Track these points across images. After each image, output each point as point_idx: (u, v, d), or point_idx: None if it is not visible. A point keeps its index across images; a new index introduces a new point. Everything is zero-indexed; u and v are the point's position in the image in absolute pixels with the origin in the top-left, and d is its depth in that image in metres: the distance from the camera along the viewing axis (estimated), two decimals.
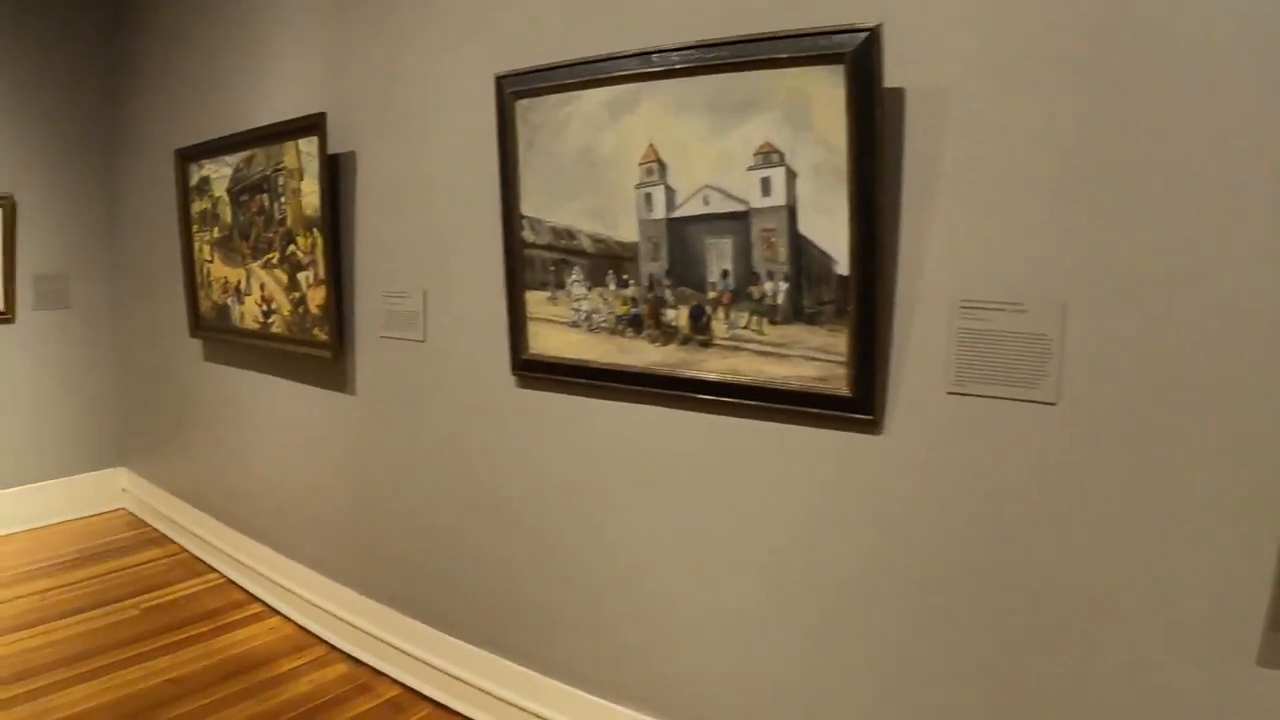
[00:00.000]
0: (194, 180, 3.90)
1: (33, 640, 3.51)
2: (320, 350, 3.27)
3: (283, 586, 3.76)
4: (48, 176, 4.67)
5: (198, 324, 4.09)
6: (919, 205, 1.76)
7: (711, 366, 2.07)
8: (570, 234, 2.34)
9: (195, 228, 3.96)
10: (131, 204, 4.79)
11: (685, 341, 2.11)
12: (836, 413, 1.89)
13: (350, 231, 3.18)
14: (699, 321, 2.07)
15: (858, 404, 1.85)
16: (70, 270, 4.84)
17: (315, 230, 3.19)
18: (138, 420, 5.04)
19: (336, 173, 3.16)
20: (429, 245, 2.90)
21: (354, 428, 3.31)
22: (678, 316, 2.11)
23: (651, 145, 2.10)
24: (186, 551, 4.56)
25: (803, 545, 2.03)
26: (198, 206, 3.90)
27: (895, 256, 1.79)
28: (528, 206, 2.43)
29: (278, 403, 3.73)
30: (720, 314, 2.03)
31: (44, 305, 4.77)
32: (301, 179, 3.22)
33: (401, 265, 3.01)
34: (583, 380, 2.40)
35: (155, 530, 4.87)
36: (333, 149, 3.14)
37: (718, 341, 2.05)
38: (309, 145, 3.15)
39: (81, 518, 5.06)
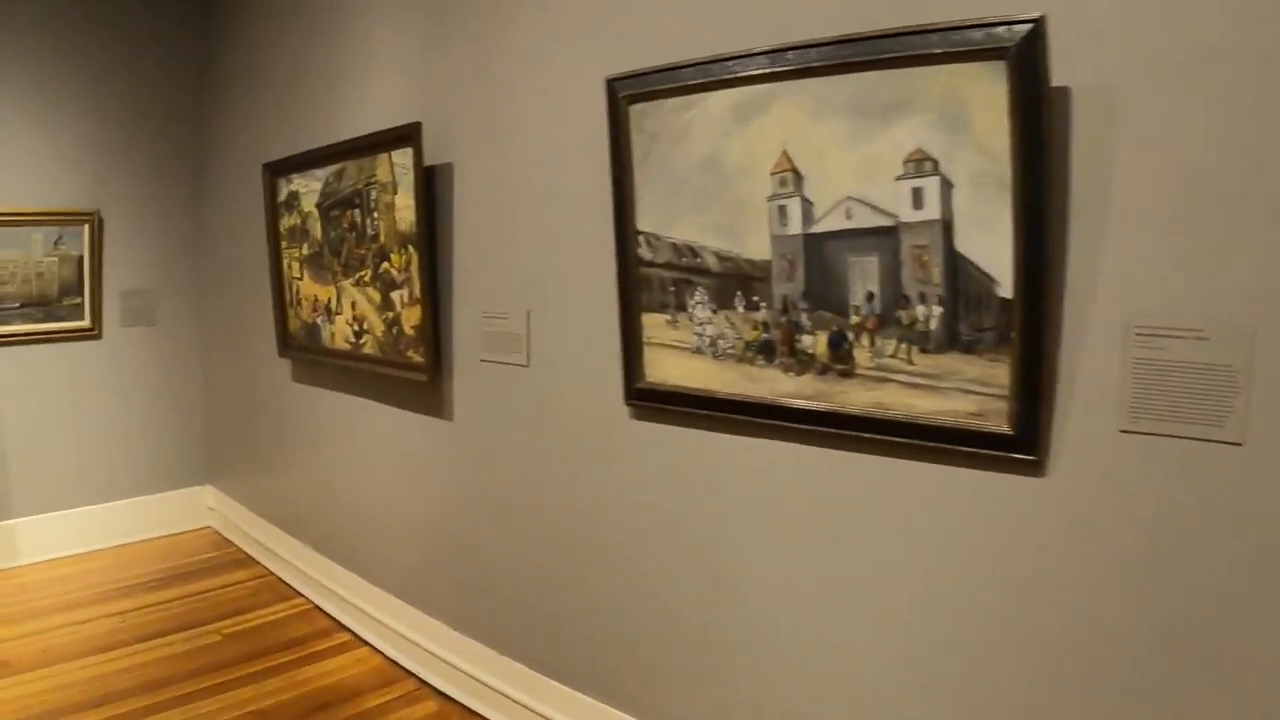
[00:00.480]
0: (282, 195, 3.79)
1: (112, 664, 3.42)
2: (415, 373, 3.11)
3: (372, 616, 3.62)
4: (134, 192, 4.65)
5: (286, 343, 3.98)
6: (1087, 220, 1.56)
7: (853, 399, 1.88)
8: (693, 251, 2.15)
9: (284, 244, 3.84)
10: (219, 220, 4.72)
11: (823, 371, 1.93)
12: (994, 452, 1.69)
13: (447, 248, 3.02)
14: (839, 349, 1.89)
15: (1020, 443, 1.65)
16: (157, 287, 4.82)
17: (410, 246, 3.03)
18: (225, 439, 4.98)
19: (432, 186, 3.00)
20: (532, 263, 2.72)
21: (451, 456, 3.15)
22: (815, 343, 1.93)
23: (785, 153, 1.91)
24: (272, 574, 4.45)
25: (953, 597, 1.83)
26: (286, 222, 3.79)
27: (1061, 277, 1.60)
28: (645, 221, 2.25)
29: (369, 427, 3.59)
30: (864, 341, 1.84)
31: (131, 322, 4.76)
32: (395, 193, 3.06)
33: (502, 284, 2.84)
34: (705, 412, 2.20)
35: (241, 551, 4.78)
36: (428, 160, 2.98)
37: (861, 371, 1.86)
38: (403, 157, 2.99)
39: (167, 535, 5.02)
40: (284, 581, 4.34)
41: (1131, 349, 1.54)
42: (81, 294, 4.46)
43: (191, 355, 5.00)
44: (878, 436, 1.86)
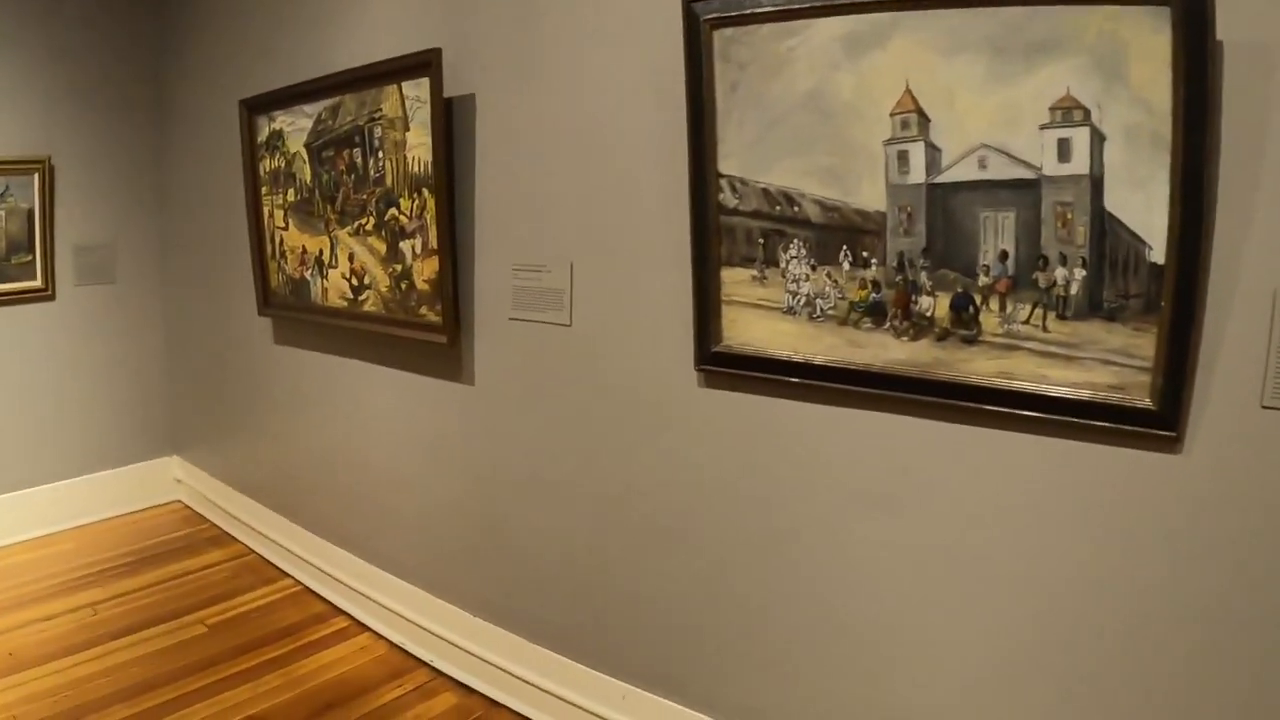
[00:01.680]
0: (263, 135, 3.40)
1: (86, 666, 3.06)
2: (430, 333, 2.77)
3: (373, 600, 3.32)
4: (90, 135, 4.20)
5: (267, 301, 3.60)
6: (1239, 184, 1.45)
7: (976, 368, 1.73)
8: (789, 198, 1.93)
9: (265, 190, 3.46)
10: (187, 165, 4.28)
11: (943, 337, 1.76)
12: (1130, 428, 1.58)
13: (469, 192, 2.68)
14: (963, 313, 1.73)
15: (1161, 419, 1.55)
16: (116, 241, 4.39)
17: (424, 191, 2.68)
18: (194, 406, 4.59)
19: (451, 121, 2.61)
20: (577, 209, 2.41)
21: (472, 424, 2.83)
22: (934, 305, 1.76)
23: (909, 91, 1.73)
24: (254, 553, 4.11)
25: (1079, 582, 1.69)
26: (268, 165, 3.40)
27: (1209, 244, 1.49)
28: (729, 164, 2.02)
29: (370, 393, 3.25)
30: (993, 304, 1.69)
31: (86, 280, 4.31)
32: (406, 130, 2.70)
33: (539, 232, 2.51)
34: (795, 380, 2.00)
35: (215, 527, 4.43)
36: (447, 92, 2.62)
37: (987, 338, 1.71)
38: (417, 89, 2.63)
39: (133, 512, 4.62)
40: (268, 561, 4.00)
41: (1278, 322, 1.45)
42: (31, 251, 4.04)
43: (155, 315, 4.60)
44: (1002, 409, 1.71)
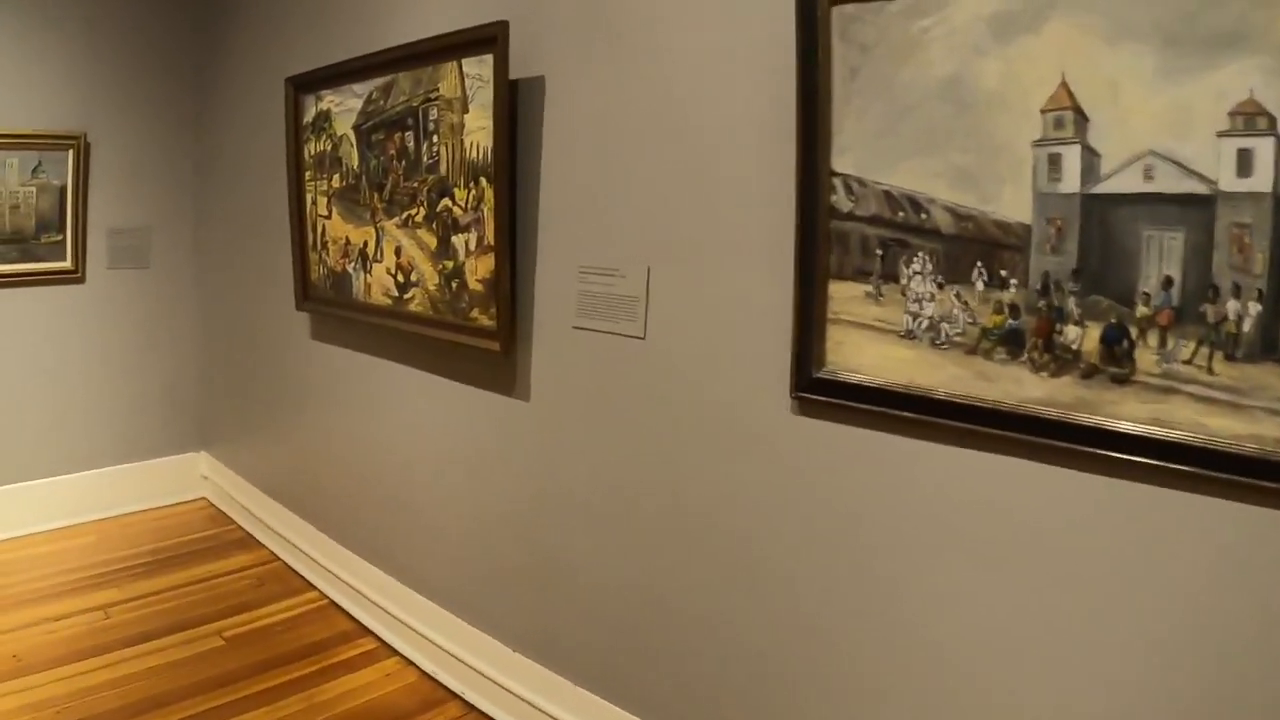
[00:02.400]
0: (310, 115, 3.15)
1: (94, 675, 2.86)
2: (481, 339, 2.50)
3: (404, 622, 3.07)
4: (128, 111, 4.07)
5: (306, 294, 3.36)
6: None
7: (1125, 411, 1.48)
8: (914, 203, 1.68)
9: (309, 175, 3.22)
10: (228, 146, 4.06)
11: (1089, 374, 1.51)
12: None
13: (532, 183, 2.42)
14: (1116, 347, 1.48)
15: None
16: (152, 224, 4.24)
17: (482, 180, 2.41)
18: (225, 401, 4.38)
19: (515, 104, 2.34)
20: (657, 206, 2.13)
21: (525, 442, 2.57)
22: (1082, 337, 1.51)
23: (1064, 84, 1.50)
24: (279, 560, 3.89)
25: (1235, 662, 1.40)
26: (313, 148, 3.16)
27: None
28: (845, 160, 1.76)
29: (412, 399, 3.00)
30: (1150, 339, 1.44)
31: (120, 263, 4.18)
32: (465, 112, 2.45)
33: (612, 232, 2.24)
34: (908, 414, 1.71)
35: (241, 529, 4.20)
36: (513, 73, 2.36)
37: (1140, 377, 1.46)
38: (479, 67, 2.36)
39: (157, 508, 4.45)
40: (293, 570, 3.78)
41: None
42: (63, 230, 3.90)
43: (189, 304, 4.43)
44: (1151, 460, 1.45)
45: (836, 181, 1.78)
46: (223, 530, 4.23)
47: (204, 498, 4.62)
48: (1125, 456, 1.47)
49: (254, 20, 3.76)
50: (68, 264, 3.95)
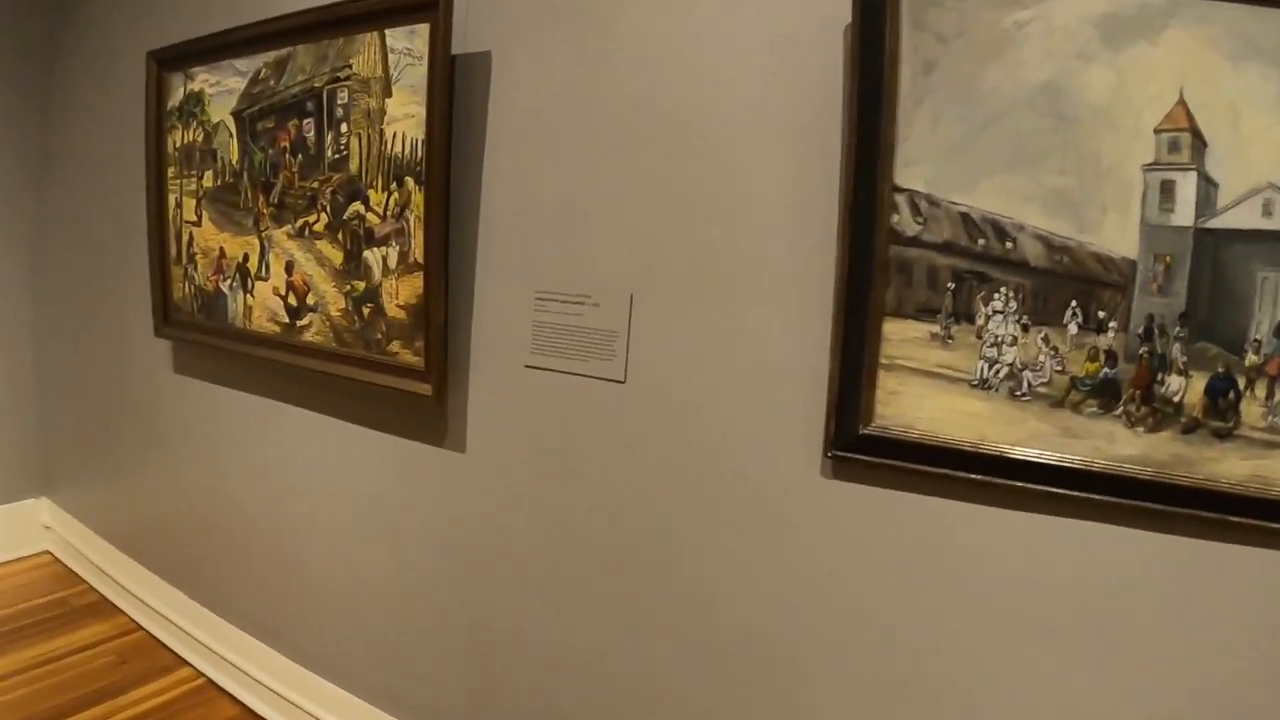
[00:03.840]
0: (176, 98, 2.58)
1: None
2: (405, 379, 2.00)
3: (303, 709, 2.50)
4: None
5: (167, 317, 2.77)
6: None
7: (1225, 470, 1.34)
8: (999, 229, 1.43)
9: (172, 171, 2.62)
10: (77, 137, 3.40)
11: (1190, 429, 1.36)
12: None
13: (473, 185, 1.94)
14: (1221, 399, 1.35)
15: None
16: None
17: (408, 181, 1.92)
18: (70, 440, 3.70)
19: (452, 86, 1.83)
20: (647, 219, 1.69)
21: (456, 504, 2.08)
22: (1186, 388, 1.36)
23: (1182, 103, 1.34)
24: (142, 629, 3.25)
25: None
26: (180, 138, 2.58)
27: None
28: (913, 173, 1.48)
29: (309, 449, 2.46)
30: (1259, 390, 1.32)
31: None
32: (387, 95, 1.95)
33: (581, 249, 1.79)
34: (978, 477, 1.44)
35: (94, 590, 3.54)
36: (454, 47, 1.87)
37: (1244, 432, 1.33)
38: (409, 39, 1.88)
39: None
40: (160, 642, 3.16)
41: None
42: None
43: (24, 323, 3.78)
44: (1253, 520, 1.32)
45: (900, 199, 1.47)
46: (71, 592, 3.55)
47: (47, 551, 3.92)
48: (1223, 516, 1.32)
49: None
50: None
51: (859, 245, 1.48)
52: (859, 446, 1.52)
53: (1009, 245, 1.41)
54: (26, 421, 3.84)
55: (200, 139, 2.52)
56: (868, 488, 1.51)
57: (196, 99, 2.51)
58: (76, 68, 3.39)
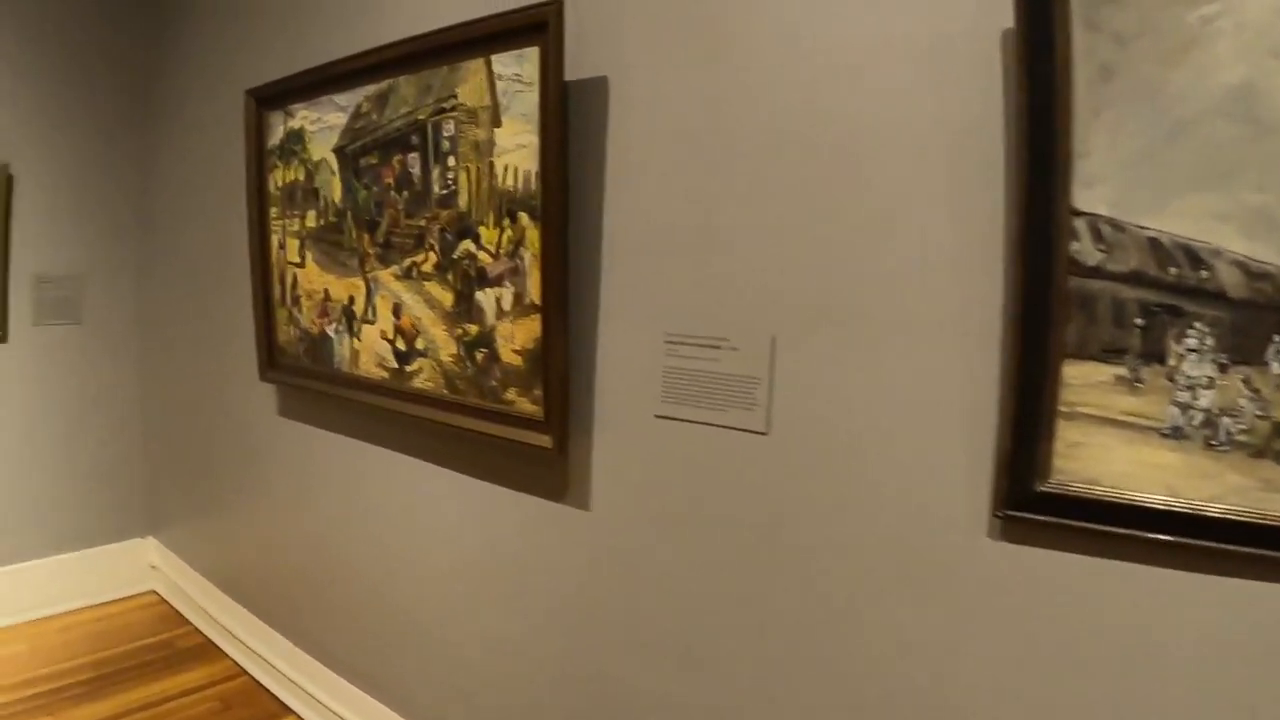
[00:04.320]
0: (277, 136, 2.50)
1: None
2: (523, 430, 1.86)
3: None
4: (60, 141, 3.44)
5: (271, 361, 2.69)
6: None
7: None
8: (1193, 256, 1.24)
9: (275, 212, 2.55)
10: (179, 180, 3.40)
11: None
12: None
13: (593, 220, 1.80)
14: None
15: None
16: (86, 271, 3.59)
17: (522, 216, 1.79)
18: (175, 481, 3.69)
19: (565, 115, 1.68)
20: (787, 254, 1.52)
21: (580, 564, 1.93)
22: None
23: None
24: (246, 674, 3.21)
25: None
26: (281, 177, 2.50)
27: None
28: (1094, 195, 1.29)
29: (421, 499, 2.34)
30: None
31: (47, 318, 3.54)
32: (496, 125, 1.82)
33: (715, 286, 1.63)
34: (1170, 537, 1.24)
35: (198, 632, 3.52)
36: (568, 72, 1.74)
37: None
38: (517, 64, 1.75)
39: (97, 604, 3.75)
40: (264, 688, 3.10)
41: None
42: None
43: (130, 365, 3.78)
44: None
45: (1080, 224, 1.29)
46: (176, 634, 3.53)
47: (153, 591, 3.92)
48: None
49: (213, 24, 3.10)
50: None
51: (1033, 278, 1.30)
52: (1034, 505, 1.34)
53: (1204, 273, 1.21)
54: (133, 461, 3.86)
55: (302, 177, 2.43)
56: (1042, 550, 1.32)
57: (297, 136, 2.43)
58: (175, 107, 3.39)
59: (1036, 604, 1.32)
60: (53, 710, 2.87)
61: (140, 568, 3.90)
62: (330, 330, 2.42)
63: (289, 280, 2.57)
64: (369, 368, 2.30)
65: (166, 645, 3.42)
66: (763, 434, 1.57)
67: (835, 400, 1.48)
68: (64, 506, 3.67)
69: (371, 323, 2.27)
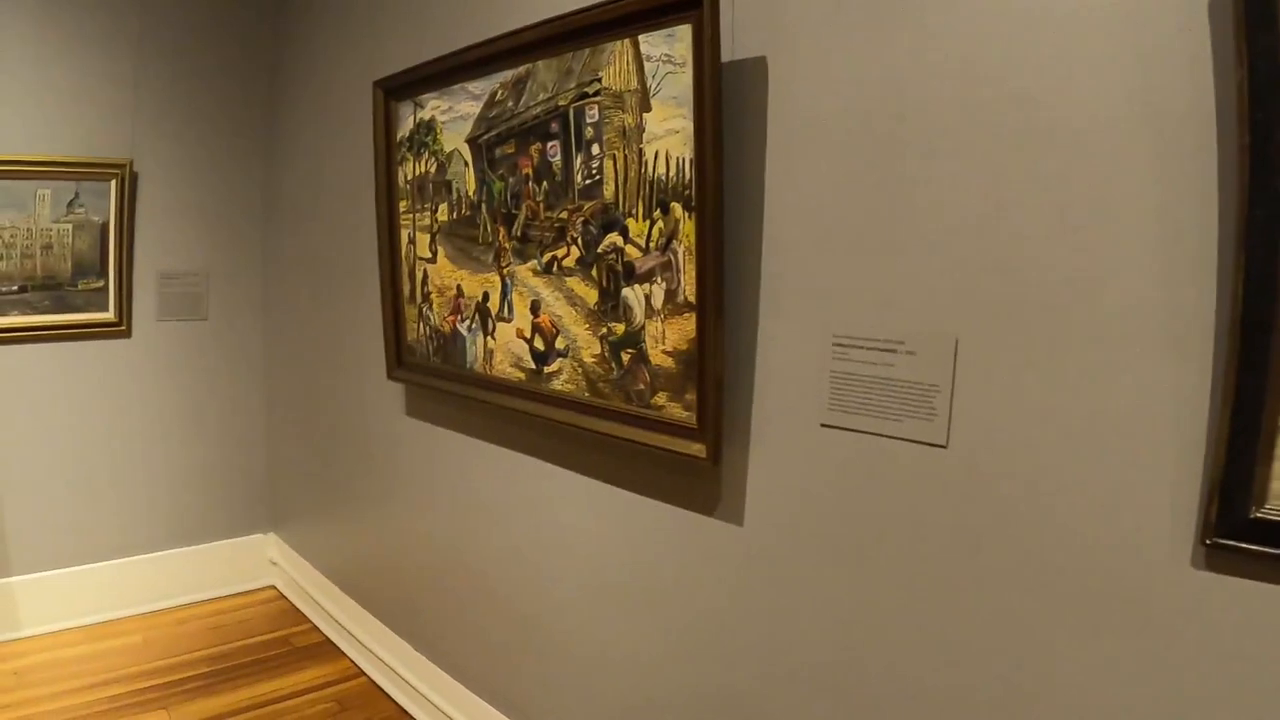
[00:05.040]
0: (406, 128, 2.43)
1: None
2: (672, 437, 1.74)
3: None
4: (183, 135, 3.49)
5: (400, 360, 2.63)
6: None
7: None
8: None
9: (404, 205, 2.49)
10: (305, 174, 3.39)
11: None
12: None
13: (752, 211, 1.66)
14: None
15: None
16: (210, 268, 3.63)
17: (675, 207, 1.67)
18: (298, 478, 3.68)
19: (719, 99, 1.55)
20: (971, 249, 1.36)
21: (731, 582, 1.79)
22: None
23: None
24: (363, 674, 3.18)
25: None
26: (411, 170, 2.44)
27: None
28: None
29: (557, 507, 2.23)
30: None
31: (172, 314, 3.59)
32: (645, 110, 1.71)
33: (889, 285, 1.47)
34: None
35: (316, 629, 3.51)
36: (723, 52, 1.60)
37: None
38: (667, 44, 1.63)
39: (216, 598, 3.79)
40: (381, 690, 3.06)
41: None
42: (104, 275, 3.33)
43: (254, 362, 3.81)
44: None
45: None
46: (294, 630, 3.52)
47: (273, 586, 3.95)
48: None
49: (340, 18, 3.05)
50: (110, 315, 3.39)
51: (1258, 279, 1.11)
52: (1248, 534, 1.16)
53: None
54: (256, 456, 3.89)
55: (433, 170, 2.35)
56: (1252, 583, 1.15)
57: (428, 127, 2.35)
58: (301, 100, 3.37)
59: (1246, 640, 1.14)
60: (166, 703, 2.88)
61: (260, 563, 3.92)
62: (463, 328, 2.34)
63: (419, 276, 2.50)
64: (504, 368, 2.20)
65: (284, 642, 3.41)
66: (942, 447, 1.41)
67: (1024, 411, 1.32)
68: (185, 500, 3.71)
69: (507, 320, 2.17)
